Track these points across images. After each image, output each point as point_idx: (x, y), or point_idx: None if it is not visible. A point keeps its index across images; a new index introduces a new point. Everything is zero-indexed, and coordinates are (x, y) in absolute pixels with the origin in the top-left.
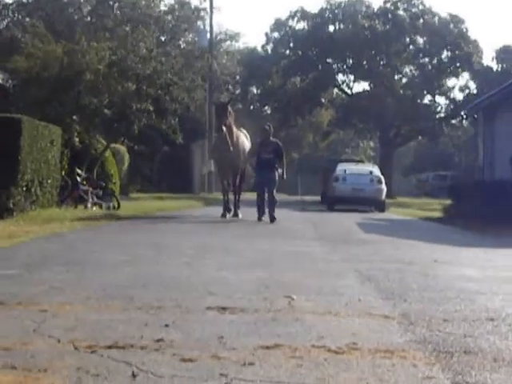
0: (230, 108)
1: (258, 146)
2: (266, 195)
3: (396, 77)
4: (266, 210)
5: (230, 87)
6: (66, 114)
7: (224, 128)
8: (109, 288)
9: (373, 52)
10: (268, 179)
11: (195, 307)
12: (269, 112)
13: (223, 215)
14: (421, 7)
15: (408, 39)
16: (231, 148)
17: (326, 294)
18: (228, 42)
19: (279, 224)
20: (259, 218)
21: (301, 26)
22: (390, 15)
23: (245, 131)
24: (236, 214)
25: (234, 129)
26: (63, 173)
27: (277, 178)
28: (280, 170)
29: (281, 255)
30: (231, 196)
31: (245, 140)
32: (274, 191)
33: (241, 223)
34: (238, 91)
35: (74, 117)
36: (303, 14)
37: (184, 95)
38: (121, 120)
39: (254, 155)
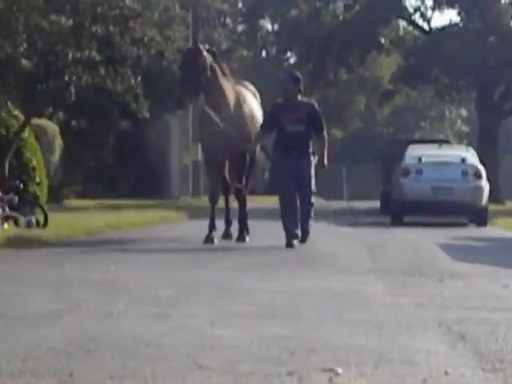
0: (209, 59)
1: (277, 111)
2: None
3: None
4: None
5: (228, 21)
6: None
7: (194, 99)
8: (32, 356)
9: None
10: (298, 171)
11: None
12: (292, 61)
13: (209, 238)
14: None
15: None
16: (220, 123)
17: (391, 364)
18: None
19: (311, 247)
20: (289, 243)
21: None
22: None
23: (252, 87)
24: (242, 238)
25: (229, 87)
26: None
27: (313, 168)
28: (316, 157)
29: (315, 298)
30: (230, 204)
31: (253, 102)
32: (312, 195)
33: (247, 248)
34: (240, 27)
35: None
36: None
37: (153, 33)
38: (48, 78)
39: (270, 130)
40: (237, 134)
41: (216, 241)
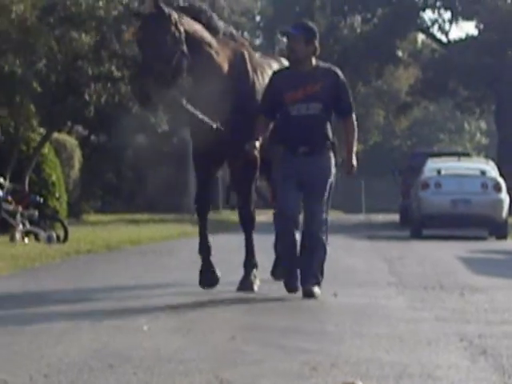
0: (185, 23)
1: (278, 83)
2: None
3: None
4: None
5: (246, 34)
6: None
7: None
8: (55, 371)
9: None
10: (306, 176)
11: None
12: None
13: (204, 281)
14: None
15: None
16: (212, 124)
17: (412, 378)
18: None
19: (330, 261)
20: (290, 286)
21: None
22: None
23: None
24: (248, 285)
25: (225, 54)
26: None
27: (332, 171)
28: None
29: (335, 312)
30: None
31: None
32: (323, 213)
33: (266, 262)
34: (258, 40)
35: None
36: None
37: None
38: (68, 95)
39: (272, 114)
40: (241, 130)
41: (219, 273)
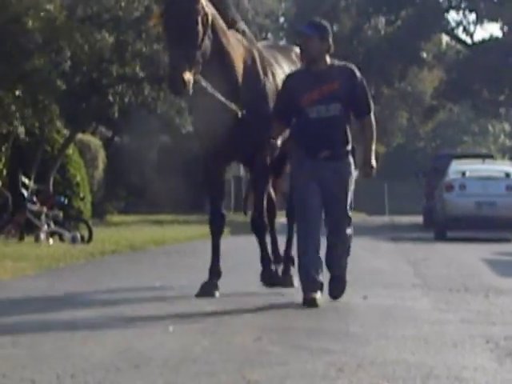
0: (210, 8)
1: (293, 85)
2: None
3: None
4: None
5: (270, 36)
6: (4, 87)
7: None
8: (81, 371)
9: None
10: (326, 183)
11: None
12: None
13: (206, 288)
14: None
15: None
16: (238, 110)
17: (439, 380)
18: None
19: (355, 263)
20: (308, 298)
21: None
22: None
23: (294, 51)
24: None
25: (238, 50)
26: (0, 183)
27: (353, 177)
28: (353, 162)
29: (360, 314)
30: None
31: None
32: (347, 219)
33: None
34: (282, 42)
35: (18, 92)
36: None
37: None
38: (91, 95)
39: (286, 118)
40: (253, 120)
41: (217, 293)
